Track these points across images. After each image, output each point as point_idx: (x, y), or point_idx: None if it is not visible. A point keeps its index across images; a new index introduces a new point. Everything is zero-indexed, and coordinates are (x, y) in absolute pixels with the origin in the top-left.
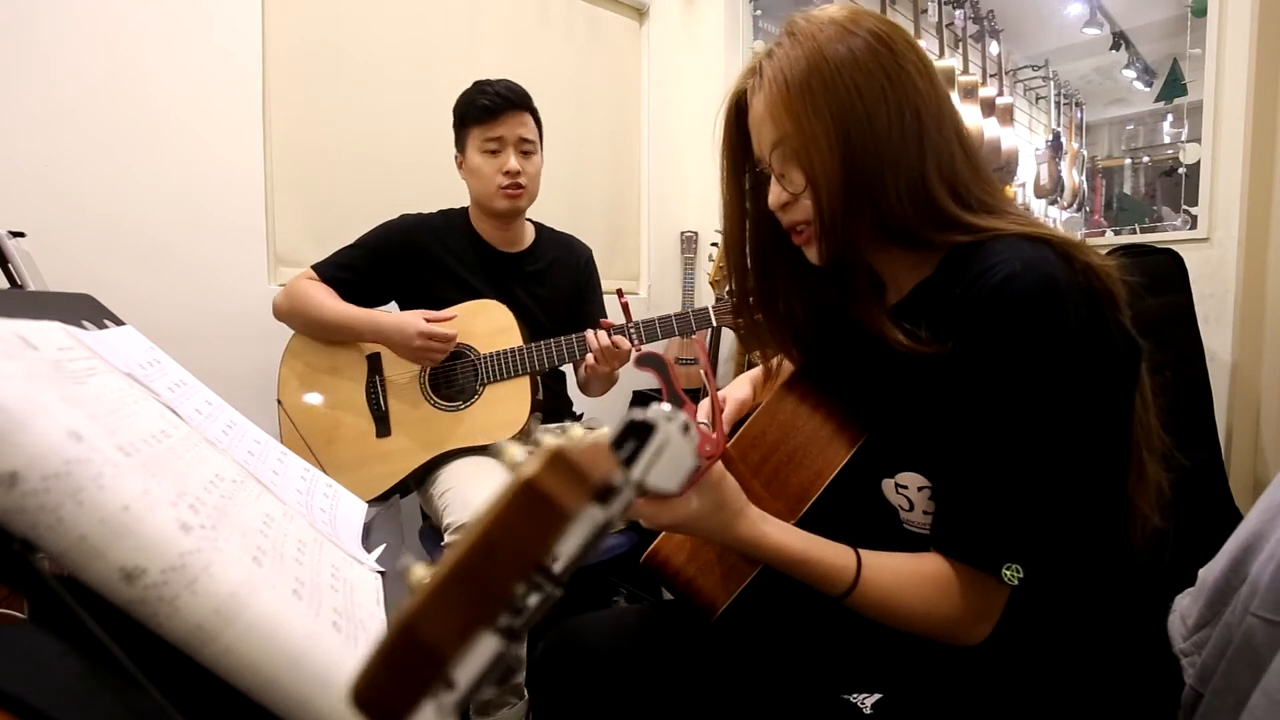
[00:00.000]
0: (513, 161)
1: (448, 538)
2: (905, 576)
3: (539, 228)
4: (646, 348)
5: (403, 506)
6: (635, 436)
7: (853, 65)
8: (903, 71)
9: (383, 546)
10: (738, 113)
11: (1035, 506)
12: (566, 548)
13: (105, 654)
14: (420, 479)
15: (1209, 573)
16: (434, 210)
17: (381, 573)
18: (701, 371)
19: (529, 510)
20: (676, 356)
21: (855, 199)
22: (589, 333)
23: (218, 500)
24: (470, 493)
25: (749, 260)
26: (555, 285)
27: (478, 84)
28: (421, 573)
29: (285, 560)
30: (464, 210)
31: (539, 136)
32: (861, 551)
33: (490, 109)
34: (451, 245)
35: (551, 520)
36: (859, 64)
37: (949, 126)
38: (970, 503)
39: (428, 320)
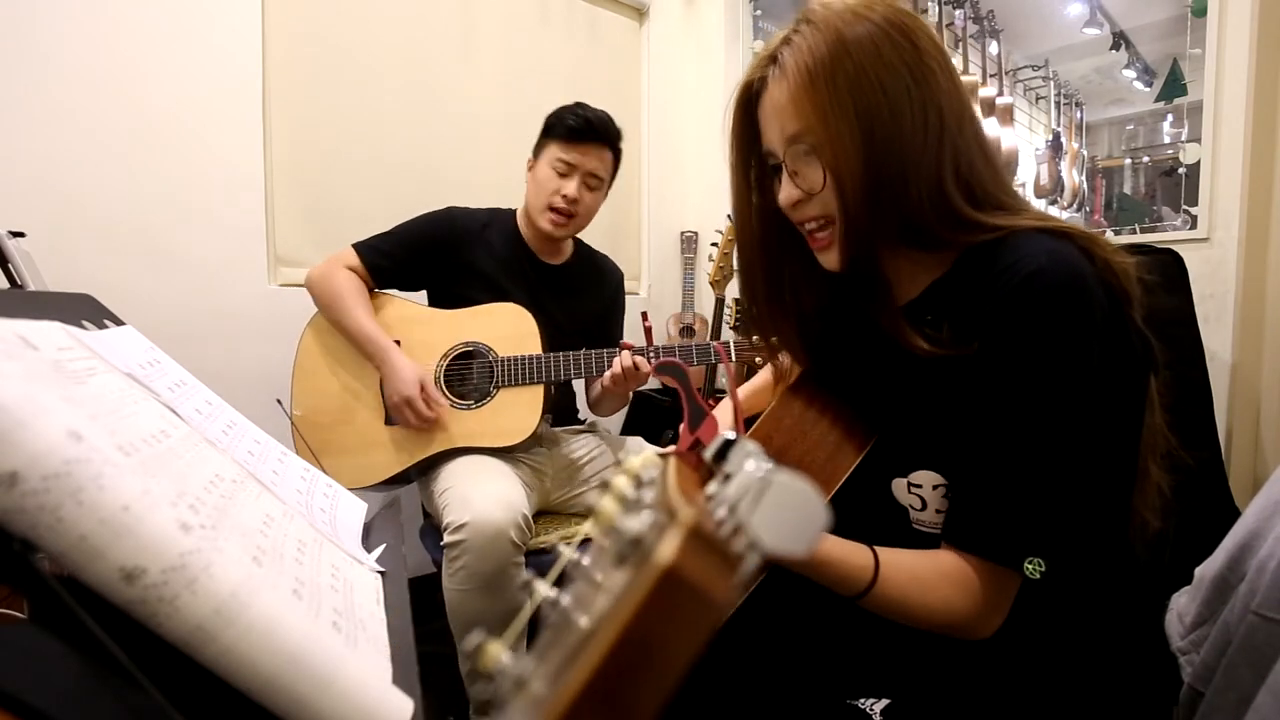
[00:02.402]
0: (572, 189)
1: (447, 537)
2: (922, 573)
3: (578, 243)
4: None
5: (403, 505)
6: (747, 490)
7: (877, 60)
8: (926, 69)
9: (383, 546)
10: (747, 102)
11: (1055, 500)
12: None
13: (105, 654)
14: (422, 472)
15: (1206, 571)
16: (443, 208)
17: (381, 573)
18: (724, 377)
19: (673, 605)
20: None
21: (878, 199)
22: (617, 357)
23: (218, 500)
24: (470, 492)
25: (758, 249)
26: (586, 302)
27: (578, 104)
28: (501, 655)
29: (285, 560)
30: (512, 212)
31: (612, 173)
32: (878, 550)
33: (575, 131)
34: (494, 246)
35: (701, 614)
36: (883, 59)
37: (969, 127)
38: (990, 497)
39: (423, 389)
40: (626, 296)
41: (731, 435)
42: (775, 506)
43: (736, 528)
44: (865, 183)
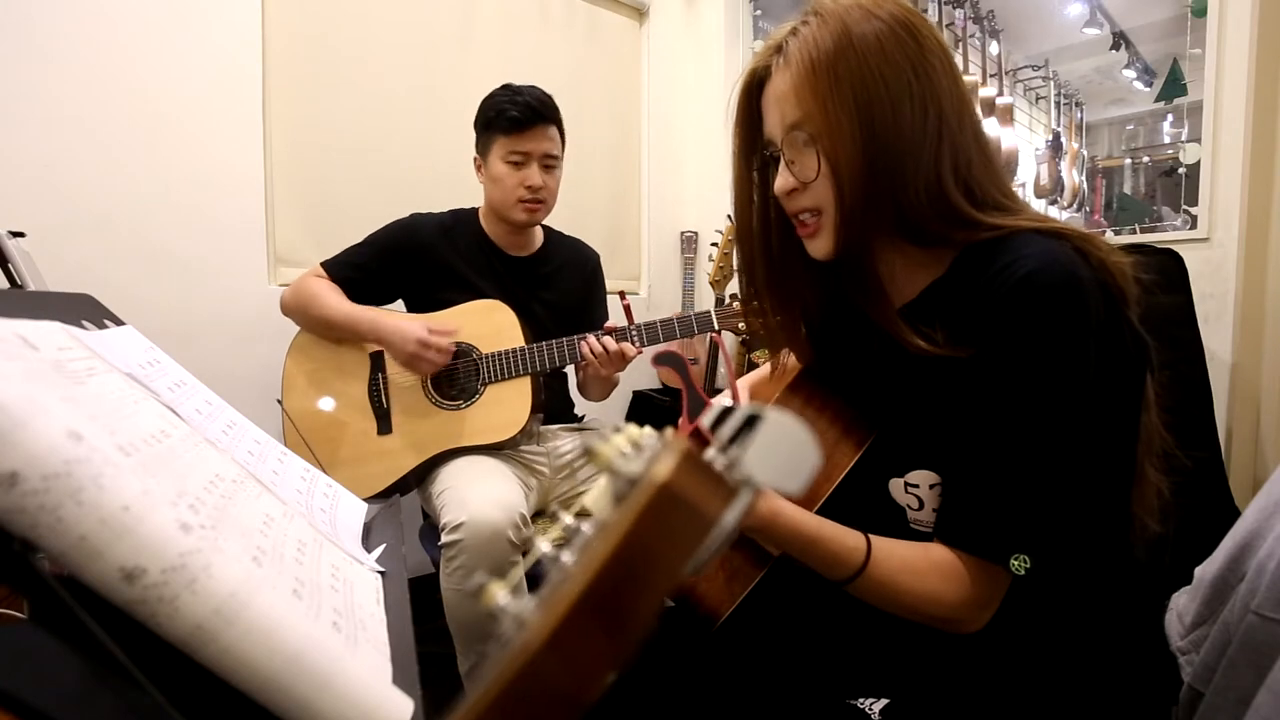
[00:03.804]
0: (536, 177)
1: (444, 537)
2: (913, 563)
3: (548, 231)
4: (649, 350)
5: (403, 506)
6: (745, 431)
7: (880, 55)
8: (929, 66)
9: (383, 546)
10: (752, 90)
11: (1045, 499)
12: (691, 565)
13: (105, 654)
14: (420, 477)
15: (1206, 571)
16: (444, 209)
17: (381, 573)
18: (722, 370)
19: (668, 520)
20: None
21: (875, 191)
22: (583, 342)
23: (218, 500)
24: (466, 493)
25: (759, 242)
26: (562, 290)
27: (506, 89)
28: (501, 593)
29: (285, 560)
30: (474, 211)
31: (562, 147)
32: (871, 537)
33: (519, 121)
34: (460, 246)
35: (696, 530)
36: (886, 54)
37: (969, 126)
38: (980, 494)
39: (430, 330)
40: (628, 295)
41: (728, 403)
42: (767, 443)
43: (730, 463)
44: (862, 173)
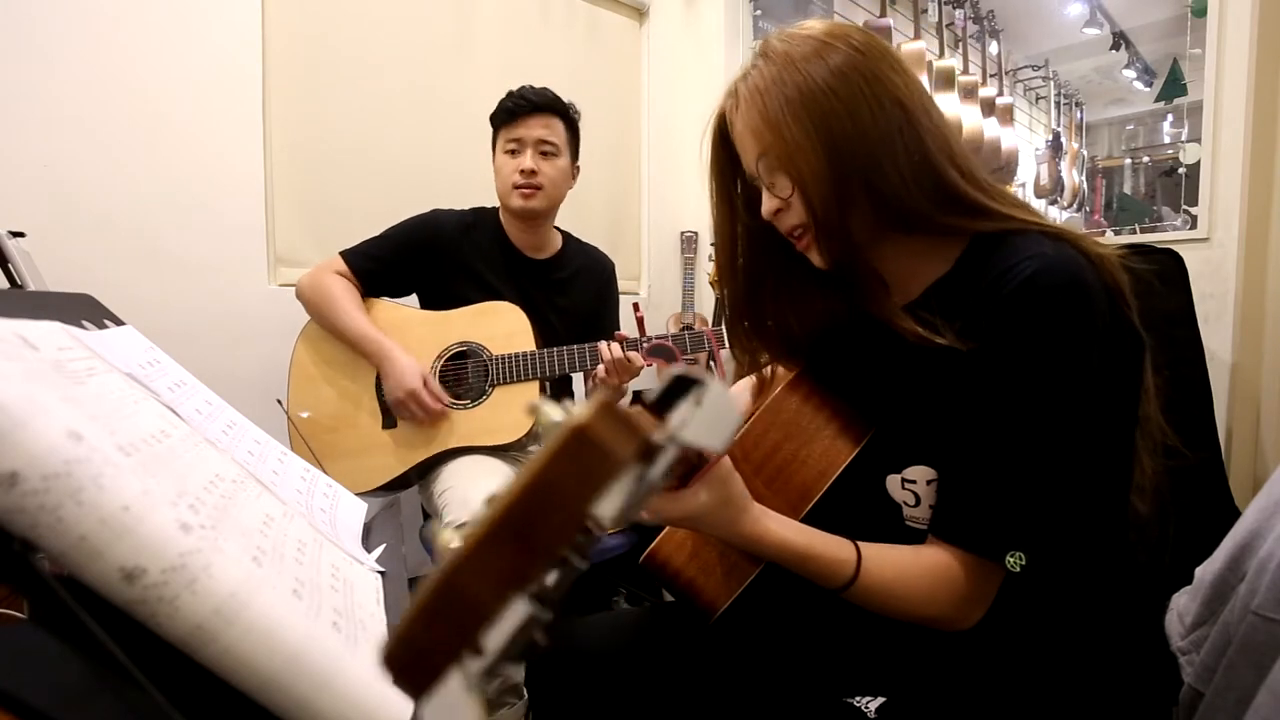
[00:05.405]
0: (528, 160)
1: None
2: (905, 569)
3: (566, 236)
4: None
5: (403, 505)
6: (675, 395)
7: (825, 70)
8: (878, 70)
9: (383, 546)
10: (723, 133)
11: (1042, 496)
12: (608, 508)
13: (105, 654)
14: (422, 474)
15: (1206, 571)
16: (444, 207)
17: (381, 573)
18: (711, 365)
19: (579, 459)
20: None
21: (847, 193)
22: (601, 345)
23: (218, 500)
24: (469, 492)
25: (741, 277)
26: (576, 296)
27: (517, 88)
28: (448, 535)
29: (285, 560)
30: (496, 210)
31: (569, 141)
32: (861, 545)
33: (511, 111)
34: (479, 244)
35: (603, 470)
36: (831, 68)
37: (937, 116)
38: (977, 491)
39: (425, 383)
40: (626, 295)
41: (681, 370)
42: (693, 404)
43: (662, 423)
44: (831, 181)
